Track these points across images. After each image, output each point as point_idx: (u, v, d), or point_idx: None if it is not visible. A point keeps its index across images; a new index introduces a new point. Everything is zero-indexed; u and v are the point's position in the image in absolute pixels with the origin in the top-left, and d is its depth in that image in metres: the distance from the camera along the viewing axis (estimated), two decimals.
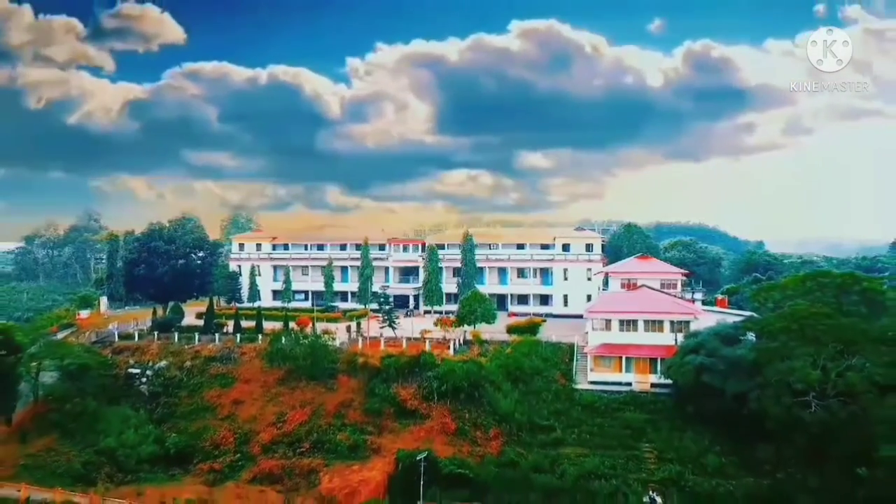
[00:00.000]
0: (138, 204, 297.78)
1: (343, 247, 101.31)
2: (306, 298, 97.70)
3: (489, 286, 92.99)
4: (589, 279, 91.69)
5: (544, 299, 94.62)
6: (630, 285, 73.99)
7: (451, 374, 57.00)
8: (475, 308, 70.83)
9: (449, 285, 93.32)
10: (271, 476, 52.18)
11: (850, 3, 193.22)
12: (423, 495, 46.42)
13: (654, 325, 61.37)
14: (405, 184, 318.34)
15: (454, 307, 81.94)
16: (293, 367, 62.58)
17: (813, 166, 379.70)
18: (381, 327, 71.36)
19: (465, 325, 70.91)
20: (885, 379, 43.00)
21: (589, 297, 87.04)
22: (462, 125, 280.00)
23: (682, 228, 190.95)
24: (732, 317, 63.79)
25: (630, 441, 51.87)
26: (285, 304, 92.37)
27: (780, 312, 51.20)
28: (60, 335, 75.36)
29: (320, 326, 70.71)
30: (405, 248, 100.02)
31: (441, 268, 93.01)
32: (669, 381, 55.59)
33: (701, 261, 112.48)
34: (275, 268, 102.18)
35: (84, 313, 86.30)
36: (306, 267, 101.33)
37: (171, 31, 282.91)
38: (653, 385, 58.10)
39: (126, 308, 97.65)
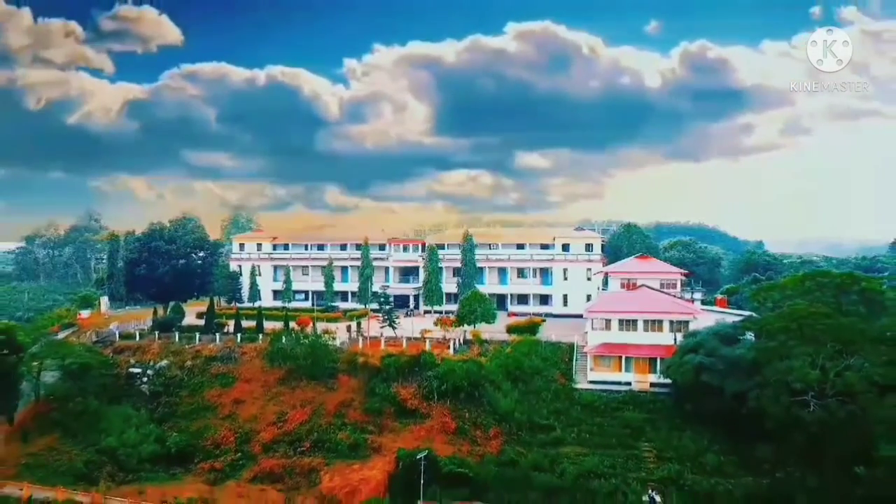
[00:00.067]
0: (138, 204, 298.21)
1: (343, 247, 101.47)
2: (307, 298, 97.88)
3: (489, 286, 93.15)
4: (589, 279, 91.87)
5: (544, 299, 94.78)
6: (630, 285, 74.16)
7: (451, 374, 57.17)
8: (475, 308, 71.00)
9: (449, 285, 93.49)
10: (272, 475, 52.43)
11: (846, 4, 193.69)
12: (424, 494, 46.59)
13: (654, 325, 61.52)
14: (404, 184, 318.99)
15: (454, 307, 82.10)
16: (294, 366, 62.76)
17: (812, 166, 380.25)
18: (382, 327, 71.53)
19: (465, 325, 71.07)
20: (884, 378, 43.04)
21: (588, 297, 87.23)
22: (461, 126, 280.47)
23: (681, 228, 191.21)
24: (732, 316, 64.03)
25: (629, 440, 52.00)
26: (286, 304, 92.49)
27: (780, 312, 51.31)
28: (61, 335, 75.65)
29: (321, 326, 70.87)
30: (405, 248, 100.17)
31: (441, 268, 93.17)
32: (669, 381, 55.75)
33: (700, 261, 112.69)
34: (275, 268, 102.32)
35: (85, 313, 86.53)
36: (307, 267, 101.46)
37: (169, 32, 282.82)
38: (652, 384, 58.26)
39: (127, 308, 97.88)
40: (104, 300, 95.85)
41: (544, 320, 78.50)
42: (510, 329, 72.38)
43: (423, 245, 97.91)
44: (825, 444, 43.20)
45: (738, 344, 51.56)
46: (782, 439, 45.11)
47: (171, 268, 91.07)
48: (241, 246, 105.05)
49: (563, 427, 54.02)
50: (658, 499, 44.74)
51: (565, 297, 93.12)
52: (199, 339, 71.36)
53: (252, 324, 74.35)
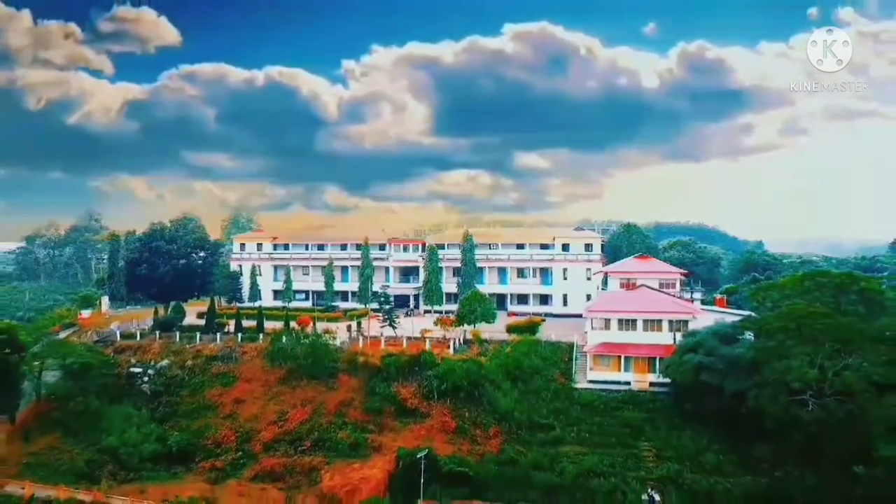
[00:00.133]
0: (138, 204, 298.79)
1: (343, 247, 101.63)
2: (307, 298, 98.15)
3: (489, 286, 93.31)
4: (588, 279, 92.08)
5: (544, 299, 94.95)
6: (629, 285, 74.25)
7: (451, 373, 57.32)
8: (475, 307, 71.12)
9: (449, 285, 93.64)
10: (273, 474, 52.60)
11: (843, 5, 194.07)
12: (424, 493, 46.83)
13: (653, 325, 61.68)
14: (404, 184, 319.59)
15: (454, 307, 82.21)
16: (294, 366, 62.92)
17: (811, 166, 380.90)
18: (382, 327, 71.68)
19: (465, 325, 71.19)
20: (882, 378, 43.16)
21: (588, 297, 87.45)
22: (460, 126, 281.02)
23: (681, 228, 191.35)
24: (731, 316, 64.10)
25: (629, 439, 52.11)
26: (286, 304, 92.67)
27: (779, 312, 51.41)
28: (62, 335, 75.79)
29: (321, 326, 70.99)
30: (405, 248, 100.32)
31: (441, 267, 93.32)
32: (668, 380, 55.89)
33: (700, 260, 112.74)
34: (275, 268, 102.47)
35: (86, 313, 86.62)
36: (307, 267, 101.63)
37: (168, 33, 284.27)
38: (651, 384, 58.39)
39: (127, 308, 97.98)
40: (105, 300, 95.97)
41: (544, 320, 78.67)
42: (510, 329, 72.50)
43: (423, 245, 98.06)
44: (824, 443, 43.36)
45: (737, 343, 51.67)
46: (781, 438, 45.23)
47: (172, 268, 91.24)
48: (242, 246, 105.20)
49: (563, 426, 54.14)
50: (657, 498, 44.86)
51: (565, 296, 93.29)
52: (200, 339, 71.52)
53: (253, 323, 74.49)
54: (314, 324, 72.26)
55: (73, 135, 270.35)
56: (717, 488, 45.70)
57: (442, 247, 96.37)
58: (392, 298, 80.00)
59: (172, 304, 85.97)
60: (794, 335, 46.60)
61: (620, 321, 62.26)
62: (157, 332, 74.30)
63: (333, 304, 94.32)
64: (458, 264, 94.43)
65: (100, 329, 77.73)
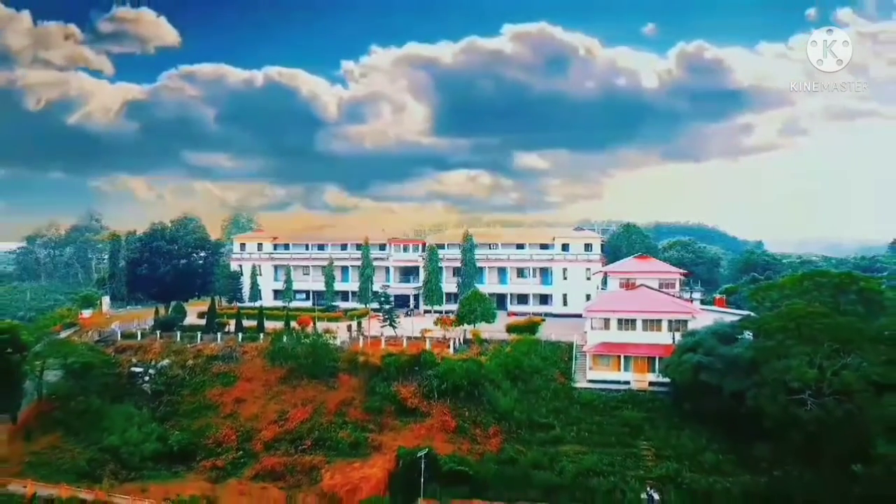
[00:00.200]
0: (138, 204, 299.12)
1: (344, 247, 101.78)
2: (307, 298, 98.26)
3: (489, 286, 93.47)
4: (588, 279, 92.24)
5: (544, 299, 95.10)
6: (629, 285, 74.38)
7: (451, 373, 57.48)
8: (475, 307, 71.28)
9: (449, 285, 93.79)
10: (273, 473, 52.73)
11: (841, 6, 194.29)
12: (424, 492, 46.97)
13: (653, 325, 61.86)
14: (404, 184, 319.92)
15: (454, 307, 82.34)
16: (294, 365, 63.08)
17: (811, 166, 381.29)
18: (382, 326, 71.84)
19: (465, 325, 71.35)
20: (881, 378, 43.29)
21: (588, 297, 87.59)
22: (459, 126, 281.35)
23: (681, 228, 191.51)
24: (730, 316, 64.17)
25: (628, 439, 52.27)
26: (286, 304, 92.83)
27: (778, 311, 51.47)
28: (63, 334, 75.90)
29: (321, 326, 71.15)
30: (405, 248, 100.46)
31: (441, 267, 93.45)
32: (667, 380, 56.06)
33: (699, 260, 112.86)
34: (276, 267, 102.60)
35: (86, 313, 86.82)
36: (307, 267, 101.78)
37: (167, 33, 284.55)
38: (651, 383, 58.56)
39: (128, 307, 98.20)
40: (105, 300, 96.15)
41: (544, 320, 78.83)
42: (510, 328, 72.65)
43: (423, 245, 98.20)
44: (823, 442, 43.49)
45: (736, 343, 51.80)
46: (780, 438, 45.37)
47: (173, 267, 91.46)
48: (242, 246, 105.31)
49: (563, 426, 54.30)
50: (656, 497, 45.00)
51: (565, 296, 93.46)
52: (201, 339, 71.67)
53: (253, 323, 74.65)
54: (314, 323, 72.42)
55: (73, 135, 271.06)
56: (715, 487, 45.82)
57: (442, 247, 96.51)
58: (392, 298, 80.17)
59: (173, 303, 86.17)
60: (793, 335, 46.71)
61: (620, 321, 62.44)
62: (158, 332, 74.47)
63: (334, 303, 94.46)
64: (458, 264, 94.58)
65: (101, 329, 77.90)
